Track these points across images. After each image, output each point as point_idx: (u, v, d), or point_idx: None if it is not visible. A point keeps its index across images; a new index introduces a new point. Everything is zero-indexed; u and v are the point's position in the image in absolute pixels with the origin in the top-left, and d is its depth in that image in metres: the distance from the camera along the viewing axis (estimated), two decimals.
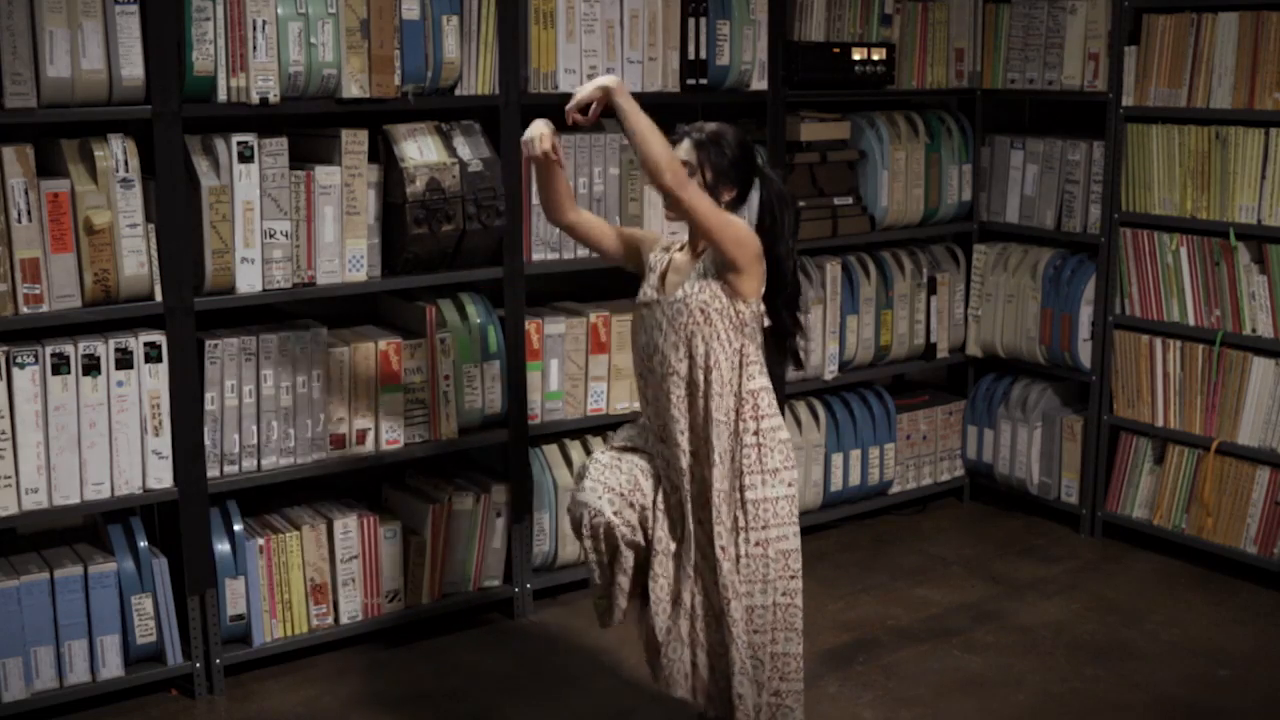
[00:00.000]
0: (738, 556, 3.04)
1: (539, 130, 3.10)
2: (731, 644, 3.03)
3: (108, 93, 3.38)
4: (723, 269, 3.02)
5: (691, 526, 3.09)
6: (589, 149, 4.18)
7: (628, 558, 3.13)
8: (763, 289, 3.07)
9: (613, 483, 3.09)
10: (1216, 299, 4.50)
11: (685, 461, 3.07)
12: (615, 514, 3.06)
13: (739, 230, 3.00)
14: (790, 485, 3.08)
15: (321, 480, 4.04)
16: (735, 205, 3.09)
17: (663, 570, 3.12)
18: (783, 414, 4.66)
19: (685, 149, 3.04)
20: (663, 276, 3.13)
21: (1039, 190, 5.03)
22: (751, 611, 3.06)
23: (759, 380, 3.07)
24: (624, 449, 3.20)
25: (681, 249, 3.17)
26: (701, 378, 3.03)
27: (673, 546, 3.13)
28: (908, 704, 3.71)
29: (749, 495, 3.04)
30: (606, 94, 3.00)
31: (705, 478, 3.05)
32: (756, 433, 3.05)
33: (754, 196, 3.13)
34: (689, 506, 3.09)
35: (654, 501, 3.12)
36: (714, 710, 3.17)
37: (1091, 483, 4.93)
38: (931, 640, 4.11)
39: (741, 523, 3.04)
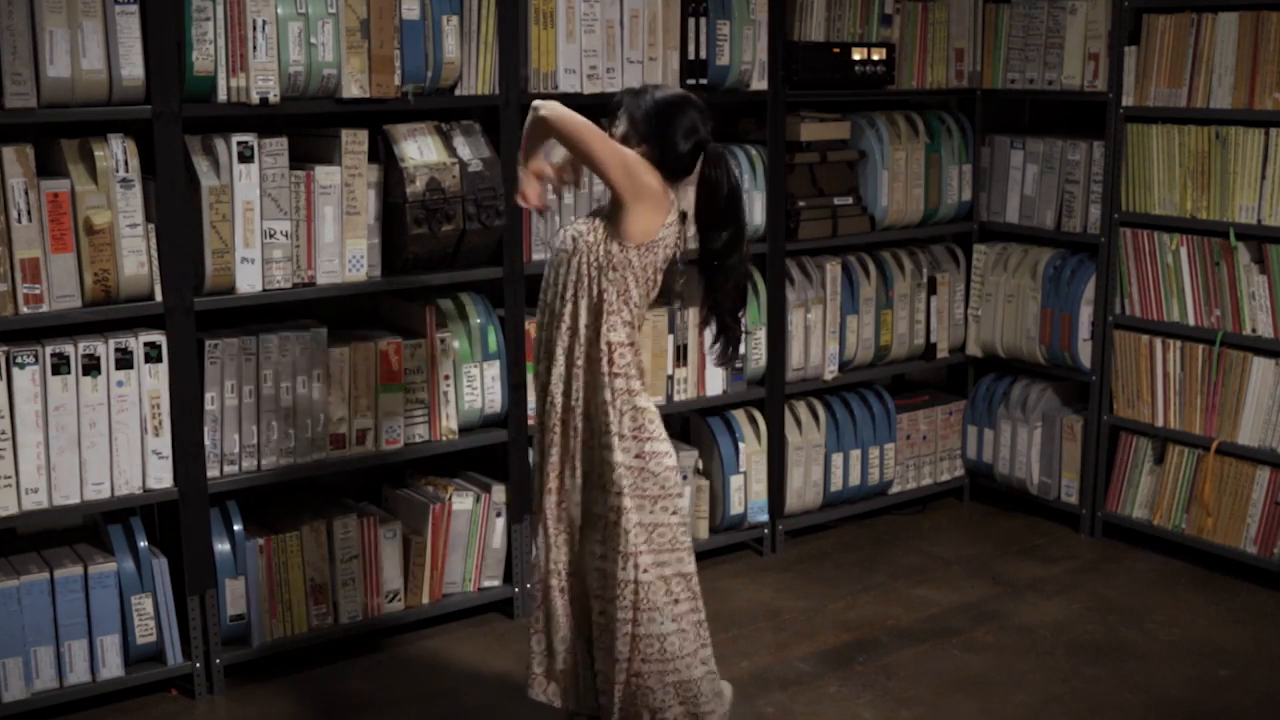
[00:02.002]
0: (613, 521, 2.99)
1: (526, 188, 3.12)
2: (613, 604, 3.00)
3: (108, 93, 3.38)
4: (614, 206, 2.95)
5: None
6: None
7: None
8: (654, 239, 2.94)
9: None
10: (1216, 299, 4.50)
11: (557, 416, 3.03)
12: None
13: (625, 157, 2.91)
14: (652, 457, 2.98)
15: (321, 480, 4.04)
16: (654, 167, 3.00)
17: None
18: (783, 414, 4.73)
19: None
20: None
21: (1039, 190, 5.03)
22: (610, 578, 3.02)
23: (619, 334, 2.96)
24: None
25: None
26: (574, 321, 2.99)
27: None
28: (908, 704, 3.70)
29: (613, 458, 2.97)
30: (544, 125, 2.98)
31: (581, 429, 3.02)
32: (612, 390, 2.97)
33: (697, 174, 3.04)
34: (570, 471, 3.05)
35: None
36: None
37: (1091, 483, 4.93)
38: (931, 640, 4.11)
39: (604, 483, 3.00)
